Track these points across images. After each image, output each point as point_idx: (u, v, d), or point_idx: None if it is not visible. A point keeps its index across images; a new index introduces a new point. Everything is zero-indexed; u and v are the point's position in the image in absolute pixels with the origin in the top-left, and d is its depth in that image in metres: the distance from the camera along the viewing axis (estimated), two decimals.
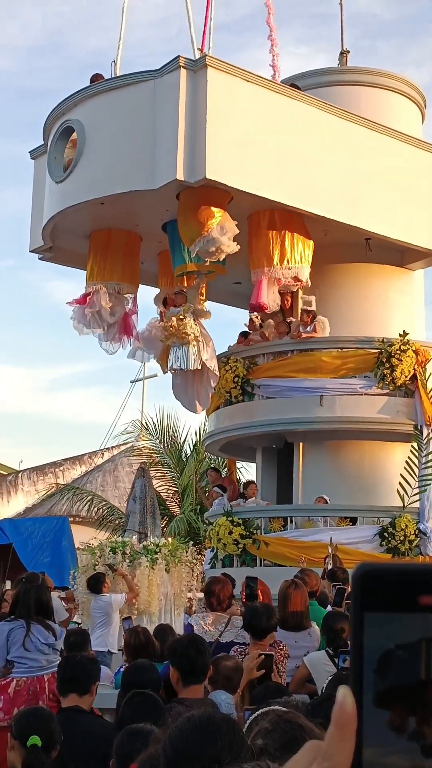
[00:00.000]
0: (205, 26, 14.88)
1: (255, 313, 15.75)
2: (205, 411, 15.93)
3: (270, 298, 14.38)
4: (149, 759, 2.47)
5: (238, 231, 13.60)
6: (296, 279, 14.48)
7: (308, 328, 15.15)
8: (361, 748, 0.71)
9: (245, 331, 16.55)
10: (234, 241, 13.54)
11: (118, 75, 14.79)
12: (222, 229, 13.44)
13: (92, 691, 5.20)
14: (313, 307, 15.17)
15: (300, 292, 15.24)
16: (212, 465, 21.22)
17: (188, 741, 2.31)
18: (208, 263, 13.92)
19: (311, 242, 14.57)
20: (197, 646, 4.86)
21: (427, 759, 0.70)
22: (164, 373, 16.33)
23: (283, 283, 14.49)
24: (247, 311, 16.72)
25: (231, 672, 5.42)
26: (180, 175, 13.18)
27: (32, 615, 6.81)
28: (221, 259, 13.89)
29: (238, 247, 13.64)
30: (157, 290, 16.58)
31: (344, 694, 0.72)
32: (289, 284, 14.63)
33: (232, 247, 13.55)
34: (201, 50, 13.98)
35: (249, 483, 15.53)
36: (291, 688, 6.55)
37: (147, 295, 16.62)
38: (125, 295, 15.58)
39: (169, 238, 14.61)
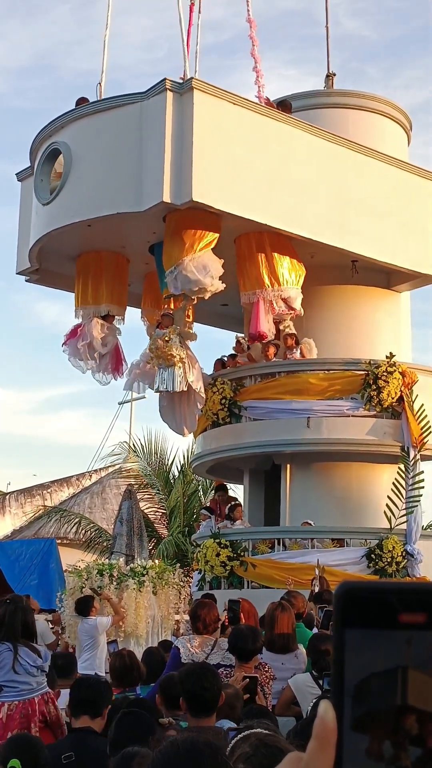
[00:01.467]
0: (187, 48, 14.94)
1: (243, 335, 15.77)
2: (192, 433, 15.93)
3: (266, 327, 14.42)
4: None
5: (222, 271, 13.66)
6: (290, 307, 14.55)
7: (294, 351, 15.19)
8: None
9: (219, 358, 16.53)
10: (221, 266, 13.60)
11: (103, 97, 14.86)
12: (204, 268, 13.46)
13: (104, 714, 5.17)
14: (293, 330, 15.19)
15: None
16: (211, 488, 21.18)
17: (172, 766, 2.30)
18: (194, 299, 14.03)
19: (301, 264, 14.63)
20: (206, 680, 4.77)
21: None
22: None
23: (277, 311, 14.53)
24: (234, 333, 16.77)
25: (233, 699, 5.37)
26: (167, 198, 13.22)
27: (18, 638, 6.77)
28: (206, 298, 13.97)
29: (223, 285, 13.72)
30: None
31: (325, 709, 0.74)
32: (283, 313, 14.68)
33: (215, 286, 13.63)
34: (183, 77, 14.05)
35: (236, 506, 15.50)
36: (276, 711, 6.52)
37: (135, 316, 16.64)
38: (116, 325, 15.62)
39: (156, 261, 14.64)
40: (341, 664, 0.74)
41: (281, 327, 15.12)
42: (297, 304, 14.64)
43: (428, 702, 0.72)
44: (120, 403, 22.62)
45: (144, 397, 20.56)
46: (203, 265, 13.50)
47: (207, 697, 4.67)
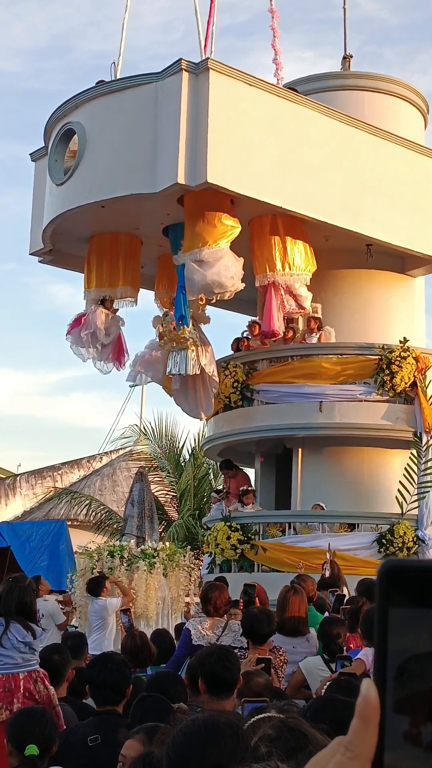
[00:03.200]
0: (207, 30, 14.85)
1: (257, 318, 15.71)
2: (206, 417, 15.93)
3: (278, 325, 14.34)
4: (145, 757, 2.43)
5: (242, 272, 13.61)
6: (300, 306, 14.49)
7: (314, 335, 15.14)
8: (383, 751, 0.73)
9: (237, 338, 16.52)
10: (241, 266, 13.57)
11: (118, 77, 14.78)
12: (226, 268, 13.37)
13: (126, 694, 5.17)
14: (320, 314, 15.17)
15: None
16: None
17: (191, 744, 2.28)
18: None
19: (313, 257, 14.51)
20: (228, 661, 4.76)
21: None
22: (170, 395, 16.36)
23: (288, 309, 14.46)
24: (248, 316, 16.71)
25: (263, 690, 5.34)
26: (181, 179, 13.15)
27: (12, 614, 6.80)
28: (226, 298, 13.95)
29: (243, 285, 13.69)
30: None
31: (368, 687, 0.74)
32: (293, 312, 14.60)
33: (236, 287, 13.58)
34: (205, 55, 13.96)
35: (247, 491, 15.49)
36: (287, 693, 6.52)
37: (148, 299, 16.58)
38: (119, 316, 15.59)
39: (172, 242, 14.56)
40: (384, 644, 0.74)
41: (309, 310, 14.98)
42: (307, 304, 14.59)
43: None
44: (131, 386, 22.57)
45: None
46: (225, 266, 13.40)
47: (227, 678, 4.66)
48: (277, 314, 14.36)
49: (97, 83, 14.93)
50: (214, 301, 14.21)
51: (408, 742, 0.72)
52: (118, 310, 15.70)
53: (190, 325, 14.17)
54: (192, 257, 13.50)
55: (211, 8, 15.44)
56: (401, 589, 0.74)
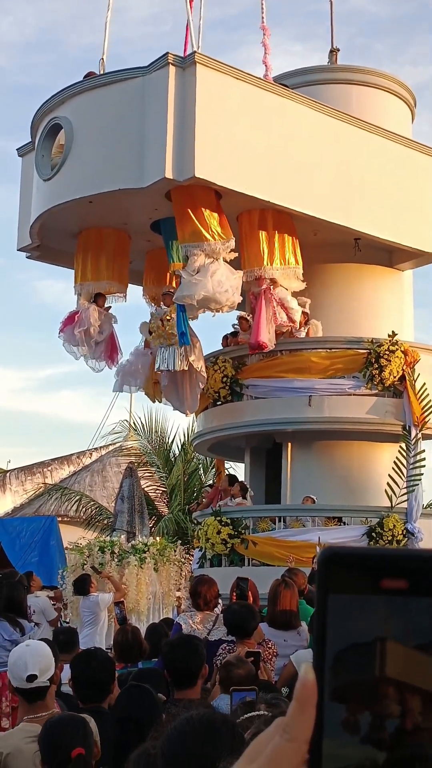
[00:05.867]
0: (187, 27, 14.76)
1: (247, 313, 15.69)
2: (193, 413, 15.91)
3: (267, 337, 14.30)
4: (143, 754, 2.42)
5: (240, 284, 13.60)
6: (291, 319, 14.48)
7: (302, 330, 15.14)
8: (321, 738, 0.73)
9: (227, 334, 16.52)
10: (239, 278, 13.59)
11: (105, 72, 14.73)
12: (219, 283, 13.33)
13: (113, 689, 5.13)
14: (307, 309, 15.16)
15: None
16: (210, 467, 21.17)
17: (187, 743, 2.27)
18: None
19: (299, 254, 14.48)
20: (188, 648, 4.79)
21: (379, 751, 0.73)
22: (153, 402, 16.42)
23: (279, 321, 14.42)
24: (237, 311, 16.69)
25: (243, 681, 5.35)
26: (169, 174, 13.12)
27: (1, 611, 6.79)
28: (223, 312, 13.95)
29: (240, 299, 13.69)
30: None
31: (306, 671, 0.74)
32: (284, 324, 14.56)
33: (232, 300, 13.56)
34: (185, 52, 13.90)
35: (233, 482, 15.50)
36: (279, 687, 6.53)
37: (137, 294, 16.57)
38: (112, 314, 15.57)
39: (164, 237, 14.52)
40: (323, 630, 0.74)
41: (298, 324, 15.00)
42: (297, 317, 14.60)
43: (406, 674, 0.73)
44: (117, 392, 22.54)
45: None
46: (218, 281, 13.37)
47: (183, 668, 4.68)
48: (267, 326, 14.25)
49: (86, 74, 14.87)
50: (214, 316, 14.28)
51: (346, 730, 0.73)
52: (111, 307, 15.68)
53: (192, 343, 14.18)
54: (186, 271, 13.49)
55: (191, 3, 15.29)
56: (341, 575, 0.74)
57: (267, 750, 0.75)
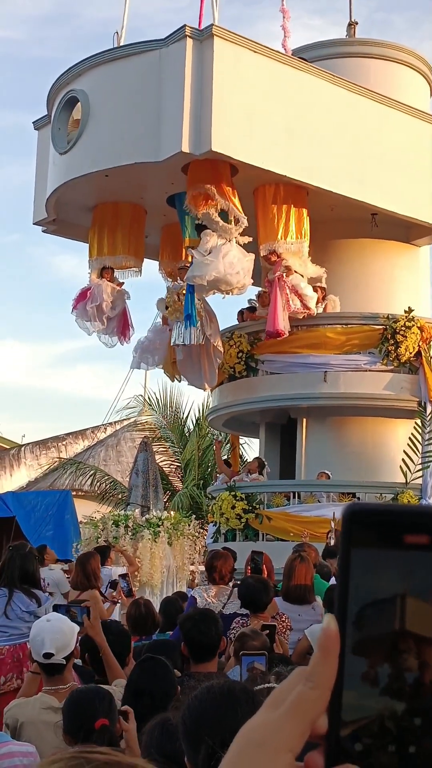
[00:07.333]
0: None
1: (263, 289, 15.63)
2: (211, 388, 15.93)
3: (283, 325, 14.22)
4: (160, 723, 2.44)
5: (251, 267, 13.50)
6: (305, 306, 14.38)
7: (319, 305, 15.08)
8: (341, 689, 0.75)
9: (242, 309, 16.47)
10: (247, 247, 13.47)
11: (121, 45, 14.63)
12: (231, 265, 13.23)
13: (128, 662, 5.18)
14: (324, 284, 15.09)
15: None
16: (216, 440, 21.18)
17: (208, 711, 2.29)
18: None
19: (307, 231, 14.37)
20: (208, 622, 4.80)
21: (398, 702, 0.75)
22: (172, 381, 16.36)
23: (293, 309, 14.34)
24: (254, 286, 16.64)
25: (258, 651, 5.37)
26: (185, 148, 13.04)
27: (16, 583, 6.82)
28: (234, 294, 13.88)
29: (251, 281, 13.61)
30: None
31: (329, 621, 0.77)
32: (298, 311, 14.45)
33: (243, 282, 13.46)
34: (200, 24, 13.75)
35: (255, 459, 15.53)
36: (293, 660, 6.55)
37: (152, 269, 16.54)
38: (130, 269, 15.51)
39: (178, 211, 14.47)
40: (346, 584, 0.76)
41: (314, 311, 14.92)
42: (312, 304, 14.51)
43: (426, 628, 0.75)
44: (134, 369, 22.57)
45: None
46: (230, 263, 13.28)
47: (204, 642, 4.70)
48: (282, 314, 14.18)
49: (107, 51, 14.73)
50: (224, 298, 14.21)
51: (365, 682, 0.75)
52: (123, 283, 15.63)
53: (198, 324, 14.13)
54: (198, 252, 13.41)
55: None
56: (364, 531, 0.76)
57: (291, 697, 0.76)
